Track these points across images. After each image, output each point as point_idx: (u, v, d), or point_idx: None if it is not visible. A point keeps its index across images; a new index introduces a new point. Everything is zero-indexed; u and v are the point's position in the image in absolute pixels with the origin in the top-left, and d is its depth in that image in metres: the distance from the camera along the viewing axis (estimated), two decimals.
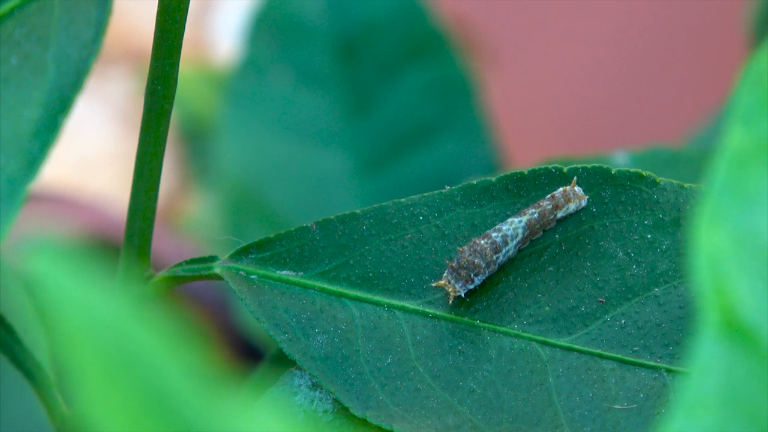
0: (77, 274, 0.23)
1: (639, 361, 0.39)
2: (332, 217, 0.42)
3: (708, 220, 0.25)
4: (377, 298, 0.41)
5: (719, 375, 0.24)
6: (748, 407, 0.24)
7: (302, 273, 0.41)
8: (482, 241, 0.40)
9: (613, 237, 0.41)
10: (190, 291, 0.92)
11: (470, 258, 0.40)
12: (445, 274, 0.40)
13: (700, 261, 0.25)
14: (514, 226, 0.41)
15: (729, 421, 0.24)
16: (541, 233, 0.41)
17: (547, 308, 0.40)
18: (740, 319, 0.25)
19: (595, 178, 0.41)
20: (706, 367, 0.24)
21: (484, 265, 0.40)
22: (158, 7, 0.40)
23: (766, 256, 0.25)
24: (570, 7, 1.25)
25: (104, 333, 0.22)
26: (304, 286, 0.41)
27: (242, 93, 0.79)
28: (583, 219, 0.41)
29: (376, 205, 0.42)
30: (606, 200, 0.41)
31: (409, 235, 0.41)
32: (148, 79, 0.41)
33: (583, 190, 0.41)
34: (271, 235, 0.42)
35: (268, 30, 0.79)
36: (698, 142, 0.75)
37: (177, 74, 0.41)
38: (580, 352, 0.40)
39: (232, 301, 0.86)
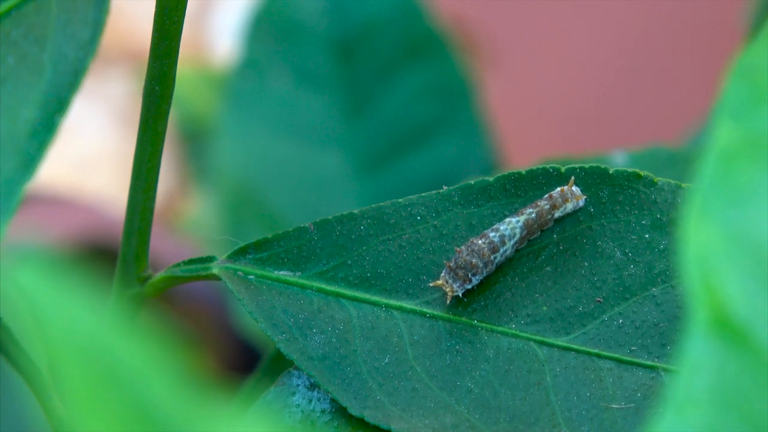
0: (64, 288, 0.23)
1: (636, 360, 0.39)
2: (330, 217, 0.42)
3: (697, 217, 0.25)
4: (375, 298, 0.41)
5: (710, 372, 0.24)
6: (738, 405, 0.24)
7: (300, 273, 0.41)
8: (480, 241, 0.40)
9: (610, 237, 0.41)
10: (189, 291, 0.92)
11: (468, 258, 0.40)
12: (442, 274, 0.40)
13: (689, 258, 0.25)
14: (511, 226, 0.41)
15: (719, 419, 0.24)
16: (539, 233, 0.41)
17: (544, 308, 0.40)
18: (730, 316, 0.25)
19: (592, 178, 0.41)
20: (697, 365, 0.24)
21: (481, 265, 0.40)
22: (156, 7, 0.40)
23: (755, 253, 0.25)
24: (568, 8, 1.25)
25: (89, 350, 0.22)
26: (302, 287, 0.41)
27: (241, 93, 0.79)
28: (581, 219, 0.41)
29: (373, 206, 0.42)
30: (603, 200, 0.41)
31: (406, 235, 0.41)
32: (146, 79, 0.41)
33: (581, 190, 0.41)
34: (269, 236, 0.42)
35: (266, 30, 0.79)
36: (697, 142, 0.75)
37: (175, 75, 0.41)
38: (577, 351, 0.40)
39: (231, 301, 0.86)
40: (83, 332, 0.23)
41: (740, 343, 0.25)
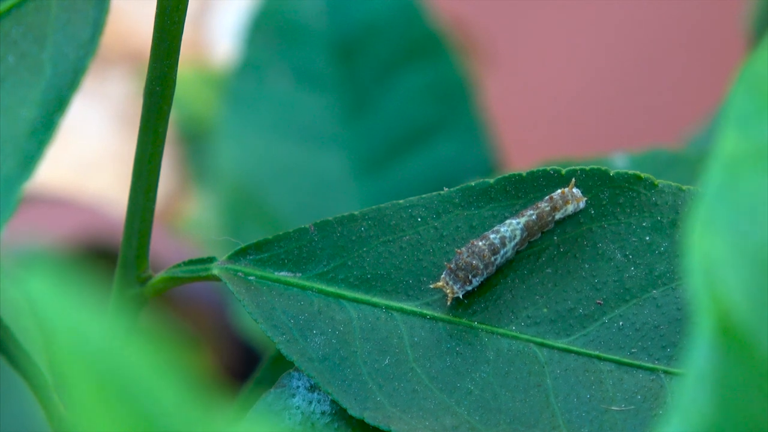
0: (68, 292, 0.23)
1: (637, 362, 0.39)
2: (330, 218, 0.42)
3: (702, 226, 0.25)
4: (375, 299, 0.41)
5: (714, 381, 0.24)
6: (742, 413, 0.24)
7: (300, 274, 0.41)
8: (480, 243, 0.40)
9: (611, 239, 0.41)
10: (189, 292, 0.91)
11: (468, 259, 0.40)
12: (443, 276, 0.40)
13: (694, 267, 0.25)
14: (512, 227, 0.41)
15: (724, 428, 0.24)
16: (540, 235, 0.41)
17: (545, 310, 0.40)
18: (735, 325, 0.25)
19: (593, 180, 0.41)
20: (701, 373, 0.24)
21: (482, 267, 0.40)
22: (157, 8, 0.40)
23: (760, 262, 0.25)
24: (568, 9, 1.25)
25: (94, 354, 0.22)
26: (302, 288, 0.41)
27: (241, 94, 0.79)
28: (581, 221, 0.41)
29: (374, 207, 0.42)
30: (604, 202, 0.41)
31: (407, 237, 0.41)
32: (147, 79, 0.41)
33: (582, 192, 0.41)
34: (270, 237, 0.42)
35: (266, 31, 0.79)
36: (698, 145, 0.75)
37: (175, 75, 0.41)
38: (577, 353, 0.40)
39: (231, 302, 0.86)
40: (88, 337, 0.23)
41: (745, 352, 0.25)
